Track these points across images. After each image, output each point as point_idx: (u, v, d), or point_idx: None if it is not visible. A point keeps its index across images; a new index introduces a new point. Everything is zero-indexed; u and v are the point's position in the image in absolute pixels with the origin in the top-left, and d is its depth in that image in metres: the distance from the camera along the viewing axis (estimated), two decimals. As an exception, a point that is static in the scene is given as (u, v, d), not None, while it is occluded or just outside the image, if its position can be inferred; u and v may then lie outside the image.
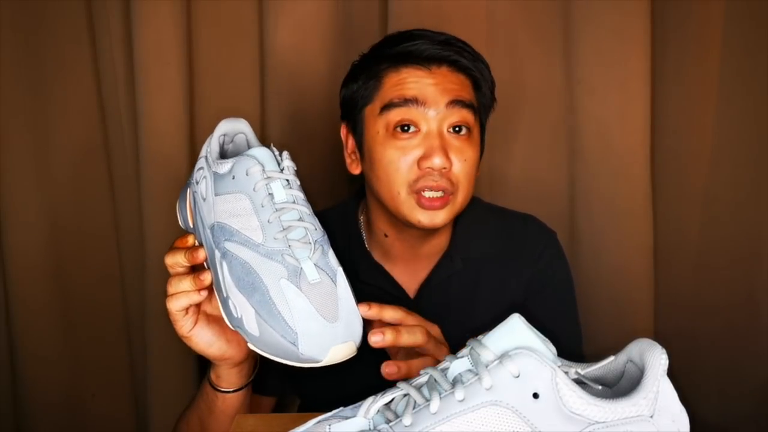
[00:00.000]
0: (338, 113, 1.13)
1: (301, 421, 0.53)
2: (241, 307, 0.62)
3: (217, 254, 0.65)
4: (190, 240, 0.71)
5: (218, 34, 1.12)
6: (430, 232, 0.84)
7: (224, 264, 0.64)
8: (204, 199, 0.67)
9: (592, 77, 1.11)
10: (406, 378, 0.67)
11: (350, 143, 0.88)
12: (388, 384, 0.56)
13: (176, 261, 0.69)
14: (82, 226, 1.18)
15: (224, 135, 0.73)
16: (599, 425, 0.48)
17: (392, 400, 0.52)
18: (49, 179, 1.15)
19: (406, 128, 0.79)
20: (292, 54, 1.10)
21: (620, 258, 1.14)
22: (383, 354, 0.72)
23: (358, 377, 0.71)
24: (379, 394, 0.52)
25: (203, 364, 1.22)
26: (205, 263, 0.69)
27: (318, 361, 0.60)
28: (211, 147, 0.70)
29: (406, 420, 0.49)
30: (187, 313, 0.71)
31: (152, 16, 1.05)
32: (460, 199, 0.81)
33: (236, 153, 0.69)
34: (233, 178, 0.65)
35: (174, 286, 0.69)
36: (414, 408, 0.50)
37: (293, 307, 0.60)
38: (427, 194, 0.78)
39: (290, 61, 1.10)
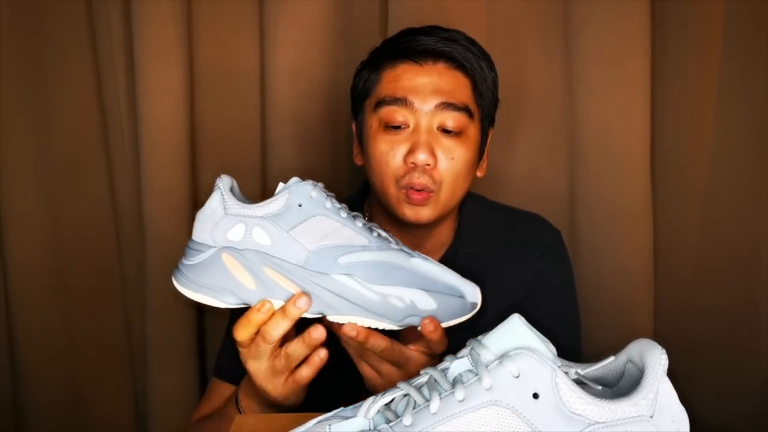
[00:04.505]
0: (338, 113, 1.14)
1: (301, 421, 0.53)
2: (407, 294, 0.65)
3: (334, 277, 0.64)
4: (269, 305, 0.64)
5: (218, 34, 1.12)
6: (423, 227, 0.84)
7: (352, 278, 0.64)
8: (272, 244, 0.63)
9: (592, 77, 1.10)
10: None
11: (356, 134, 0.89)
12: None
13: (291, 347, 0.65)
14: (82, 226, 1.18)
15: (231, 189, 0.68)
16: (599, 425, 0.48)
17: (392, 400, 0.52)
18: (49, 179, 1.15)
19: (396, 126, 0.80)
20: (292, 54, 1.10)
21: (620, 258, 1.14)
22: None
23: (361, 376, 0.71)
24: (380, 394, 0.52)
25: (203, 365, 1.22)
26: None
27: (476, 305, 0.67)
28: (228, 201, 0.65)
29: (406, 420, 0.49)
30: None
31: (152, 16, 1.05)
32: (445, 196, 0.81)
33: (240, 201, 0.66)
34: (300, 206, 0.64)
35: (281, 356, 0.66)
36: (414, 408, 0.50)
37: (435, 271, 0.66)
38: (413, 190, 0.79)
39: (290, 60, 1.10)
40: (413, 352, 0.69)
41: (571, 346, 0.92)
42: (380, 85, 0.83)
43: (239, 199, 0.65)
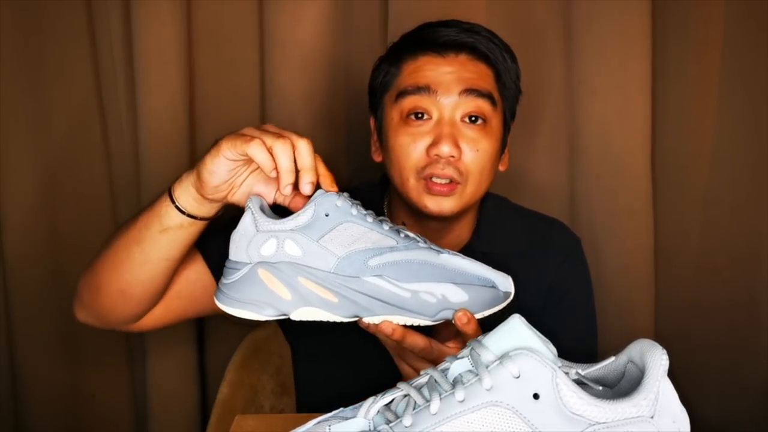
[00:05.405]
0: (337, 113, 1.14)
1: (302, 422, 0.53)
2: (437, 289, 0.66)
3: (365, 279, 0.65)
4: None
5: (218, 34, 1.12)
6: (445, 221, 0.84)
7: (382, 278, 0.65)
8: (303, 254, 0.65)
9: (593, 78, 1.11)
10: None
11: (374, 131, 0.89)
12: (390, 383, 0.56)
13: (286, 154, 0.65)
14: (82, 226, 1.18)
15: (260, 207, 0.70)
16: (600, 426, 0.47)
17: (392, 400, 0.52)
18: (49, 179, 1.15)
19: (418, 116, 0.79)
20: (292, 54, 1.10)
21: (621, 258, 1.14)
22: (386, 353, 0.72)
23: (362, 373, 0.71)
24: (379, 395, 0.52)
25: (203, 365, 1.22)
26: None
27: (510, 294, 0.68)
28: (259, 219, 0.67)
29: (406, 421, 0.49)
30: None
31: (152, 16, 1.05)
32: (470, 189, 0.80)
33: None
34: (326, 215, 0.66)
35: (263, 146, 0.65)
36: (414, 409, 0.50)
37: (464, 264, 0.67)
38: (435, 180, 0.78)
39: (290, 61, 1.10)
40: (451, 349, 0.69)
41: (591, 349, 0.92)
42: (401, 77, 0.82)
43: (269, 217, 0.67)
